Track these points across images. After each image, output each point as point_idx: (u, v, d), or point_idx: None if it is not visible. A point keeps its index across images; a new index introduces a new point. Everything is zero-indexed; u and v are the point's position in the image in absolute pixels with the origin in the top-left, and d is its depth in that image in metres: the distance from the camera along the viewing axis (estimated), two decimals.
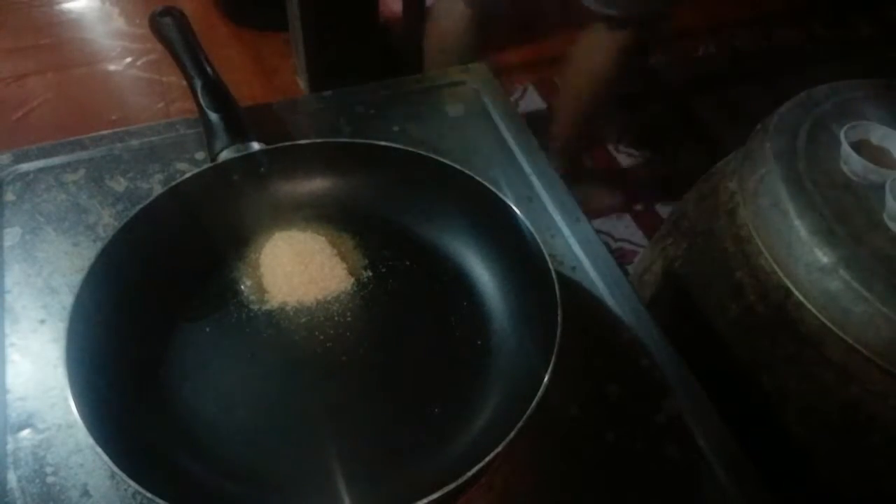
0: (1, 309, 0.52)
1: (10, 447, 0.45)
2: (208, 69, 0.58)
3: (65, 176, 0.61)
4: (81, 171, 0.61)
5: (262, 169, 0.55)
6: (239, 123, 0.56)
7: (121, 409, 0.43)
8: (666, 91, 1.87)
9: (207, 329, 0.50)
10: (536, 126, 0.69)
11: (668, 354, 0.53)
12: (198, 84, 0.57)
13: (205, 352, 0.49)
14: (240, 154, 0.54)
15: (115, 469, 0.37)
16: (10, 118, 1.63)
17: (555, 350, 0.42)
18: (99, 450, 0.37)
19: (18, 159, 0.61)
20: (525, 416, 0.39)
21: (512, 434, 0.39)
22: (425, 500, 0.37)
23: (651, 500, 0.47)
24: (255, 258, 0.54)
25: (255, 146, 0.55)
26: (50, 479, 0.44)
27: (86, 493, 0.44)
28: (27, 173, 0.60)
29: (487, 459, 0.38)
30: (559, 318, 0.44)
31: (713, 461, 0.48)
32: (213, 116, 0.55)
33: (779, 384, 0.73)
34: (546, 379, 0.41)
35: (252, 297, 0.52)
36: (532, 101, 1.82)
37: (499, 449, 0.39)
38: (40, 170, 0.61)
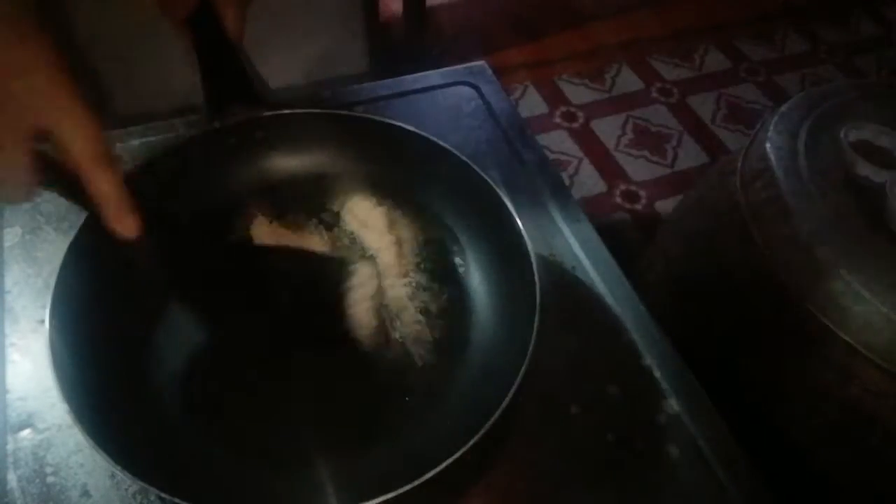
0: (1, 309, 0.52)
1: (10, 447, 0.45)
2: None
3: None
4: None
5: (260, 134, 0.54)
6: (240, 85, 0.54)
7: (110, 398, 0.43)
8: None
9: (196, 312, 0.50)
10: None
11: (668, 354, 0.53)
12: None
13: (191, 334, 0.49)
14: (238, 119, 0.53)
15: (116, 467, 0.37)
16: None
17: (532, 338, 0.42)
18: (99, 451, 0.37)
19: None
20: (500, 409, 0.39)
21: (488, 425, 0.39)
22: (388, 495, 0.37)
23: (651, 500, 0.47)
24: (246, 233, 0.53)
25: (254, 111, 0.53)
26: (50, 479, 0.44)
27: (86, 493, 0.44)
28: None
29: (455, 457, 0.38)
30: (538, 301, 0.44)
31: (713, 461, 0.48)
32: (213, 75, 0.53)
33: (779, 384, 0.73)
34: (523, 369, 0.41)
35: (242, 276, 0.51)
36: (532, 101, 1.82)
37: (470, 443, 0.38)
38: None
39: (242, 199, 0.54)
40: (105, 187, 0.37)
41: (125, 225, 0.39)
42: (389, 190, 0.56)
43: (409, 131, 0.53)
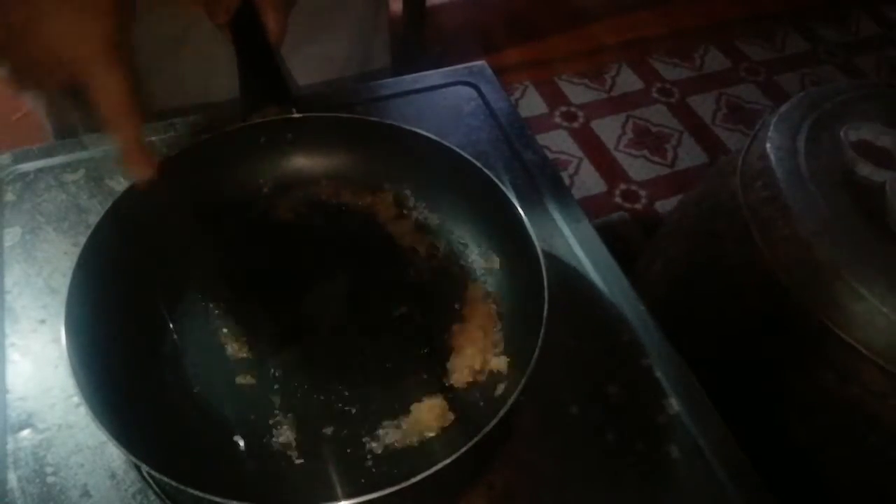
0: (1, 309, 0.52)
1: (10, 447, 0.45)
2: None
3: (65, 176, 0.60)
4: (81, 171, 0.61)
5: (290, 135, 0.55)
6: (276, 87, 0.55)
7: (128, 393, 0.43)
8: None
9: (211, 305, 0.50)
10: None
11: (668, 354, 0.53)
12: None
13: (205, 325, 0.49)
14: (267, 119, 0.54)
15: (134, 458, 0.37)
16: (9, 118, 1.63)
17: (538, 342, 0.42)
18: (116, 442, 0.37)
19: (18, 159, 0.61)
20: (503, 410, 0.39)
21: (489, 426, 0.39)
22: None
23: (651, 500, 0.47)
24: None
25: (284, 112, 0.54)
26: (50, 479, 0.44)
27: (86, 493, 0.44)
28: (27, 173, 0.60)
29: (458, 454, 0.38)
30: (545, 303, 0.44)
31: (713, 461, 0.48)
32: (251, 76, 0.54)
33: (779, 384, 0.73)
34: (529, 370, 0.41)
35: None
36: (532, 101, 1.82)
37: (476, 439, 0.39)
38: (40, 170, 0.61)
39: (268, 194, 0.56)
40: (124, 136, 0.42)
41: (138, 170, 0.43)
42: (409, 193, 0.57)
43: (431, 140, 0.54)
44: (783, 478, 0.68)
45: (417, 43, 1.74)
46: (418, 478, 0.37)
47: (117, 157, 0.43)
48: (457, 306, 0.51)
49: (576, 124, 1.77)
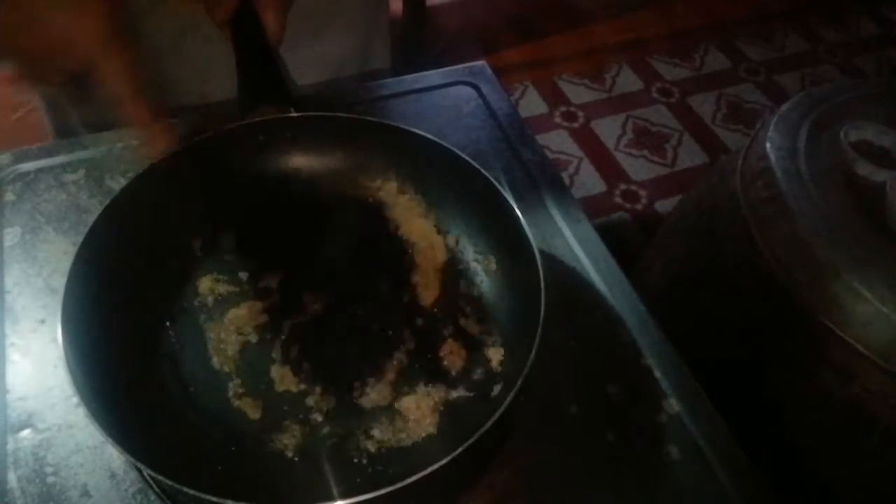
0: (1, 309, 0.52)
1: (10, 447, 0.45)
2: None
3: (65, 176, 0.60)
4: (81, 171, 0.61)
5: (289, 134, 0.55)
6: (275, 86, 0.55)
7: (123, 389, 0.43)
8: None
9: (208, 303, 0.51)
10: None
11: (668, 354, 0.53)
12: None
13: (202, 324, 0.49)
14: (266, 117, 0.54)
15: (136, 460, 0.37)
16: (9, 118, 1.63)
17: (536, 340, 0.42)
18: (115, 444, 0.37)
19: (18, 159, 0.61)
20: (501, 408, 0.40)
21: (487, 424, 0.39)
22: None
23: (651, 500, 0.47)
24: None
25: (283, 111, 0.54)
26: (50, 479, 0.44)
27: (86, 493, 0.44)
28: (27, 173, 0.60)
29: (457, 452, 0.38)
30: (542, 303, 0.44)
31: (713, 461, 0.48)
32: (250, 76, 0.54)
33: (779, 384, 0.73)
34: (526, 369, 0.41)
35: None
36: (532, 101, 1.82)
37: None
38: (40, 170, 0.61)
39: (268, 193, 0.56)
40: (137, 112, 0.42)
41: (154, 149, 0.44)
42: (407, 193, 0.57)
43: (429, 140, 0.54)
44: (783, 478, 0.68)
45: (417, 43, 1.74)
46: (415, 478, 0.37)
47: (137, 136, 0.43)
48: (452, 305, 0.51)
49: (576, 124, 1.77)
